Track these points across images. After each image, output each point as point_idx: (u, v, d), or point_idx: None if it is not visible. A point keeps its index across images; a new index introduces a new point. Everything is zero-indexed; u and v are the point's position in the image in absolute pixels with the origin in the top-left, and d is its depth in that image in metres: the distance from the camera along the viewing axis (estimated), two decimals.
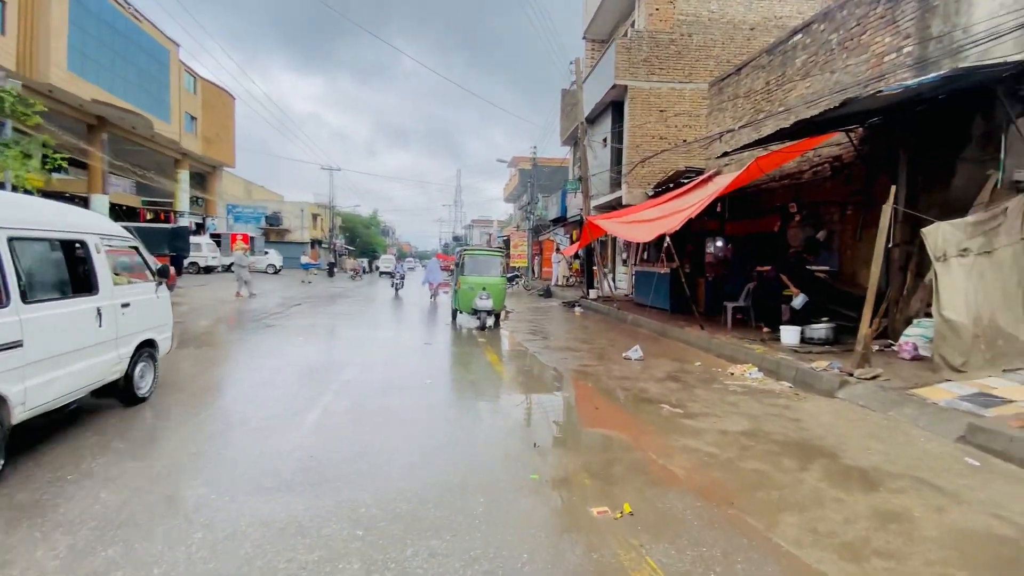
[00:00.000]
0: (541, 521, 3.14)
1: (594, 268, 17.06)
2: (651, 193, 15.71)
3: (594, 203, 19.26)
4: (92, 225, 4.71)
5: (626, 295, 17.14)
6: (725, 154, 9.99)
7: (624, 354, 8.34)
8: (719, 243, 13.42)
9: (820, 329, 8.05)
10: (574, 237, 20.50)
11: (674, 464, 4.09)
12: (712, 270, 12.82)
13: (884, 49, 8.85)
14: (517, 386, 6.66)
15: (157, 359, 5.57)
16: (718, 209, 11.15)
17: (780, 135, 8.07)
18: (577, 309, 15.65)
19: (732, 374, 7.19)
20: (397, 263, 18.93)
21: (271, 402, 5.46)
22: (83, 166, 26.96)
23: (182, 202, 34.86)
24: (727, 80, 13.30)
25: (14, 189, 24.68)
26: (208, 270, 28.02)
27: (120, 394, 5.00)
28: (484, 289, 11.41)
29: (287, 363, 7.56)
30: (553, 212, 27.03)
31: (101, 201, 26.67)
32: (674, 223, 9.09)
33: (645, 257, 16.70)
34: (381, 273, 41.24)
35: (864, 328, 6.31)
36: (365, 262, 43.73)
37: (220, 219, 40.32)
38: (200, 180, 39.61)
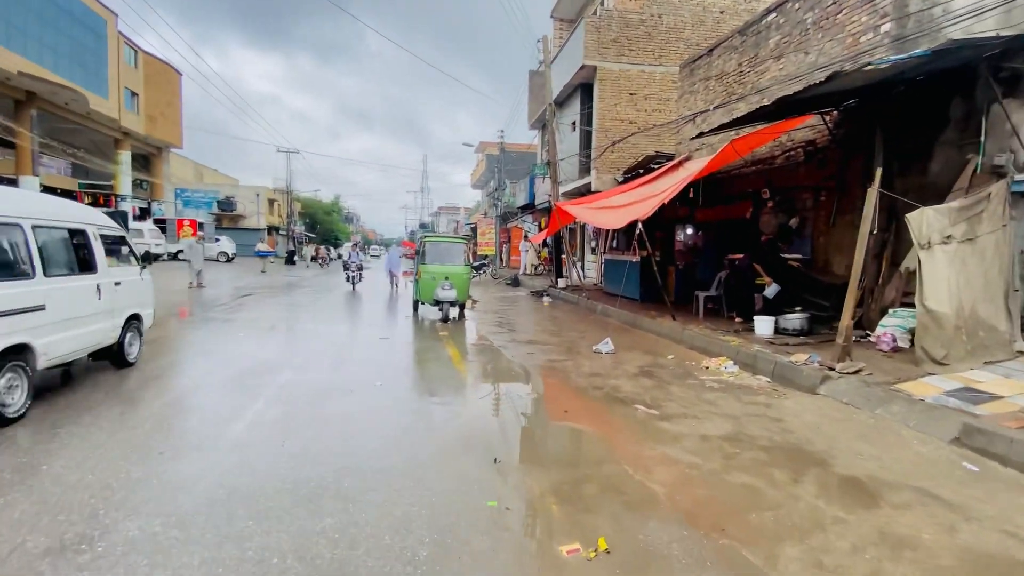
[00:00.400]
0: (499, 568, 2.56)
1: (563, 256, 16.57)
2: (621, 179, 15.27)
3: (563, 189, 18.73)
4: (90, 217, 5.79)
5: (595, 284, 16.74)
6: (700, 135, 9.57)
7: (594, 347, 7.85)
8: (689, 230, 13.10)
9: (795, 319, 7.75)
10: (543, 224, 19.95)
11: (654, 480, 3.58)
12: (683, 258, 12.49)
13: (861, 29, 8.52)
14: (479, 387, 6.06)
15: (142, 331, 6.58)
16: (690, 195, 10.76)
17: (757, 114, 7.66)
18: (546, 299, 15.15)
19: (707, 368, 6.79)
20: (352, 251, 17.44)
21: (190, 413, 4.69)
22: (11, 146, 24.70)
23: (124, 185, 32.56)
24: (698, 62, 12.88)
25: None
26: (152, 258, 26.20)
27: (113, 358, 5.98)
28: (447, 279, 10.74)
29: (221, 363, 6.75)
30: (521, 199, 26.40)
31: (31, 183, 24.46)
32: (646, 209, 8.61)
33: (615, 245, 16.30)
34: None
35: (846, 319, 5.97)
36: (331, 250, 42.18)
37: (168, 204, 37.97)
38: (144, 162, 37.13)
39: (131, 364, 6.14)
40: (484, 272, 24.87)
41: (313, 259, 37.13)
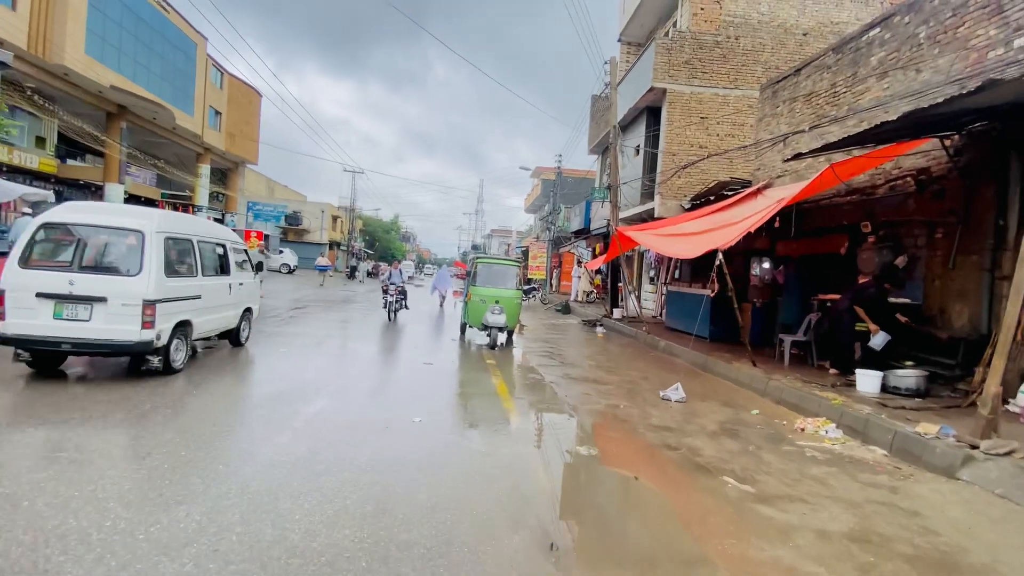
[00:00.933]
0: None
1: (619, 285, 15.54)
2: (688, 206, 14.21)
3: (623, 214, 17.82)
4: (227, 235, 7.84)
5: (654, 317, 15.59)
6: (798, 156, 8.48)
7: (662, 393, 6.85)
8: (767, 264, 11.83)
9: (909, 377, 6.47)
10: (597, 251, 19.05)
11: None
12: (759, 295, 11.23)
13: (988, 43, 7.30)
14: (529, 436, 5.22)
15: (252, 320, 8.52)
16: (775, 224, 9.62)
17: (870, 134, 6.57)
18: (599, 329, 14.16)
19: (803, 430, 5.66)
20: (395, 270, 13.93)
21: (207, 447, 4.12)
22: (101, 154, 26.51)
23: (201, 197, 34.37)
24: (783, 82, 11.80)
25: (20, 172, 24.29)
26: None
27: (232, 338, 7.91)
28: (497, 303, 10.04)
29: (253, 385, 6.27)
30: (576, 223, 25.61)
31: (115, 191, 26.11)
32: (728, 237, 7.61)
33: (677, 276, 15.16)
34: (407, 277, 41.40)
35: (992, 385, 4.74)
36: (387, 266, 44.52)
37: (240, 216, 39.81)
38: (222, 176, 39.23)
39: (243, 345, 8.10)
40: (534, 297, 24.13)
41: (370, 274, 38.43)
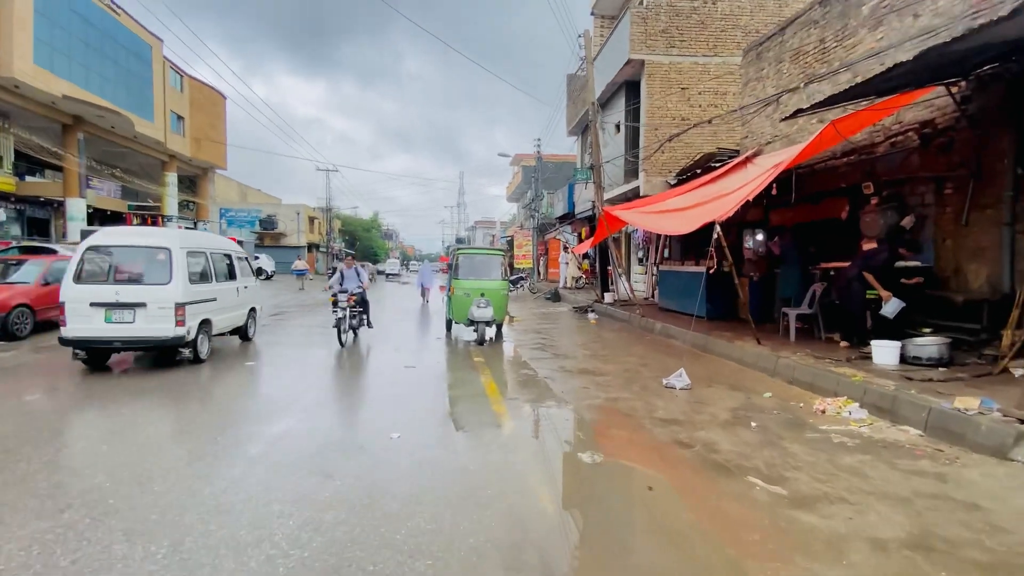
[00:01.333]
0: None
1: (608, 268, 14.97)
2: (674, 181, 13.64)
3: (607, 195, 17.23)
4: (233, 246, 9.15)
5: (646, 299, 15.07)
6: (797, 113, 7.86)
7: (665, 381, 6.29)
8: (760, 236, 11.33)
9: (930, 345, 5.97)
10: (583, 235, 18.46)
11: None
12: (754, 268, 10.73)
13: None
14: (524, 443, 4.61)
15: (256, 319, 9.67)
16: (772, 192, 9.04)
17: (871, 85, 6.01)
18: (591, 315, 13.60)
19: (823, 412, 5.13)
20: (343, 268, 9.59)
21: (140, 484, 3.44)
22: (60, 169, 25.22)
23: (170, 206, 33.10)
24: (768, 43, 11.22)
25: None
26: None
27: (241, 334, 9.18)
28: (482, 295, 9.40)
29: (210, 405, 5.58)
30: (560, 208, 24.98)
31: (77, 205, 24.89)
32: (726, 207, 7.04)
33: (667, 255, 14.62)
34: (387, 276, 40.68)
35: None
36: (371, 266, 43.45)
37: (213, 223, 38.55)
38: (191, 184, 37.89)
39: (250, 339, 9.35)
40: (522, 286, 23.53)
41: (368, 276, 38.41)
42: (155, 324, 6.67)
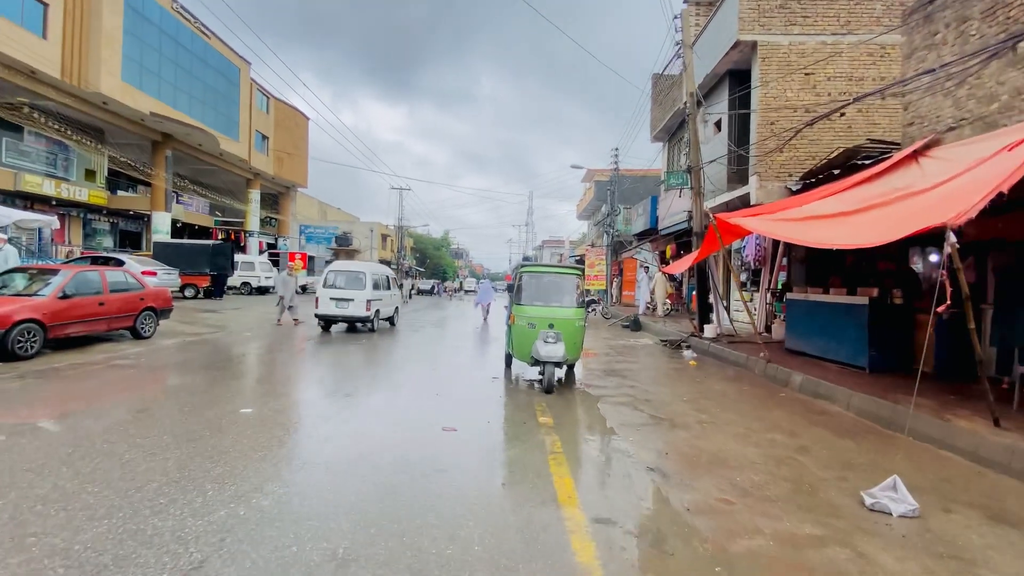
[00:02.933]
0: None
1: (708, 294, 11.91)
2: (797, 187, 10.56)
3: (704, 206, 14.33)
4: (385, 269, 14.82)
5: (760, 333, 11.91)
6: None
7: (868, 499, 3.50)
8: (934, 257, 8.06)
9: None
10: (669, 253, 15.50)
11: None
12: (931, 299, 7.47)
13: None
14: None
15: (398, 313, 15.35)
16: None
17: None
18: (688, 354, 10.68)
19: None
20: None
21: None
22: (149, 184, 25.91)
23: (252, 222, 33.66)
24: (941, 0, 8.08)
25: (72, 206, 23.86)
26: (263, 291, 25.77)
27: (391, 321, 14.59)
28: (551, 327, 6.97)
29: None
30: (640, 224, 22.08)
31: (163, 219, 25.33)
32: (960, 204, 4.15)
33: (783, 280, 11.41)
34: (467, 292, 41.30)
35: None
36: (456, 284, 46.60)
37: (293, 239, 39.10)
38: (273, 201, 38.73)
39: (395, 325, 14.61)
40: (594, 310, 20.83)
41: (427, 292, 41.96)
42: (356, 309, 12.27)
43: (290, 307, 14.09)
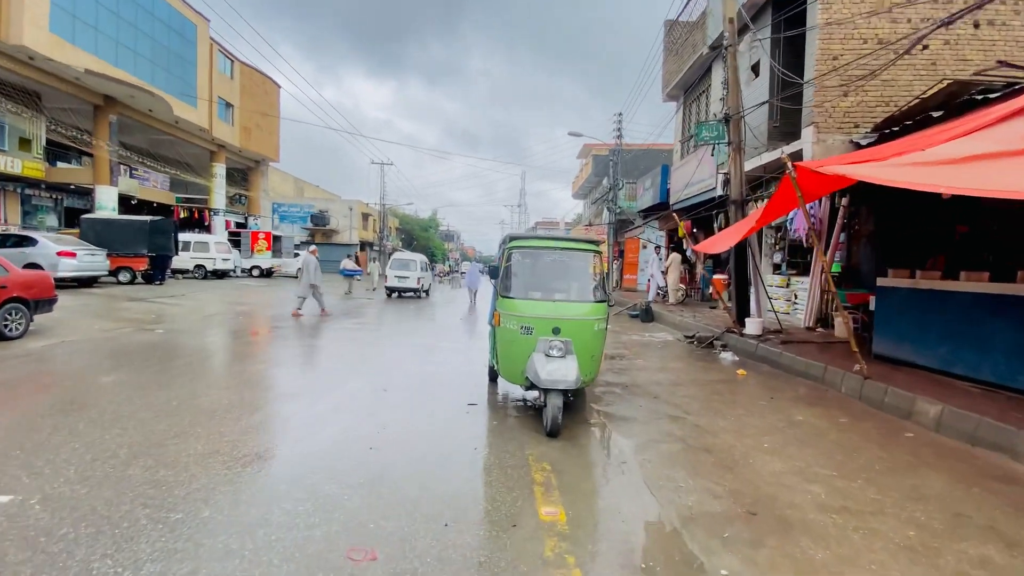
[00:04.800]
0: None
1: (748, 279, 9.34)
2: (869, 140, 8.03)
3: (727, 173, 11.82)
4: (421, 257, 21.04)
5: (808, 328, 9.46)
6: None
7: None
8: None
9: None
10: (682, 231, 12.98)
11: None
12: None
13: None
14: None
15: (430, 287, 22.77)
16: None
17: None
18: (726, 356, 8.24)
19: None
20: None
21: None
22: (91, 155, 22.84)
23: (218, 199, 30.60)
24: None
25: (5, 179, 20.77)
26: (220, 274, 22.86)
27: (427, 293, 21.21)
28: (557, 332, 4.49)
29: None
30: (647, 199, 19.49)
31: (107, 193, 22.30)
32: None
33: (845, 261, 8.93)
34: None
35: None
36: (446, 268, 43.92)
37: (264, 218, 36.06)
38: (242, 177, 35.58)
39: (428, 295, 21.07)
40: None
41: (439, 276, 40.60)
42: (411, 283, 18.77)
43: (307, 297, 12.02)
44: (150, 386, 5.39)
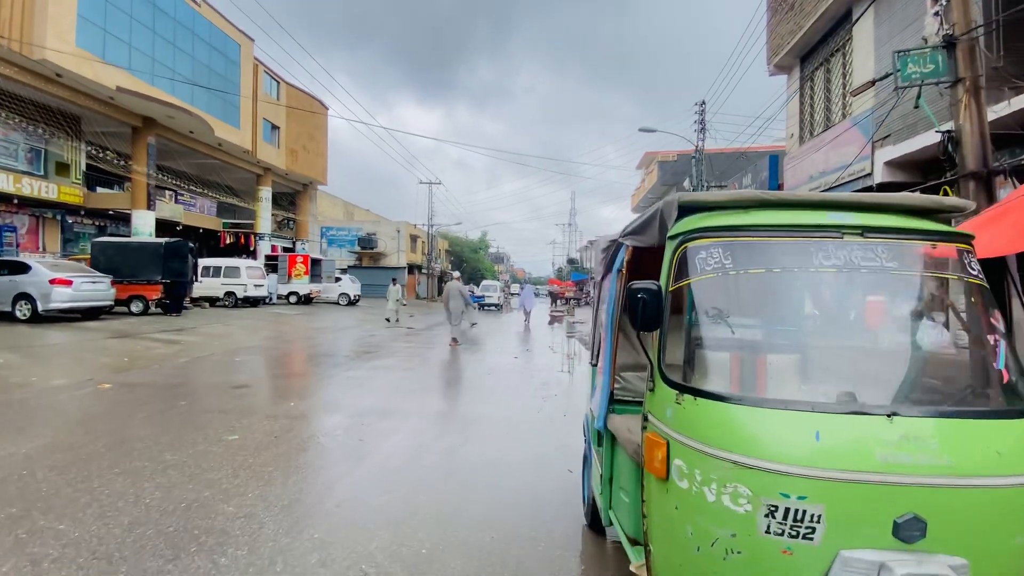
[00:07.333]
0: None
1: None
2: None
3: (901, 153, 8.11)
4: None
5: None
6: None
7: None
8: None
9: None
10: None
11: None
12: None
13: None
14: None
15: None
16: None
17: None
18: None
19: None
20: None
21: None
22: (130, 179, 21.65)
23: (263, 223, 29.24)
24: None
25: (35, 204, 19.58)
26: (253, 302, 20.74)
27: (499, 307, 30.82)
28: (914, 528, 1.08)
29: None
30: None
31: (143, 218, 20.91)
32: None
33: None
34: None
35: None
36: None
37: (313, 242, 34.61)
38: (289, 200, 34.43)
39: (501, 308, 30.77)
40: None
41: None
42: (493, 301, 30.33)
43: (455, 324, 12.42)
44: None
